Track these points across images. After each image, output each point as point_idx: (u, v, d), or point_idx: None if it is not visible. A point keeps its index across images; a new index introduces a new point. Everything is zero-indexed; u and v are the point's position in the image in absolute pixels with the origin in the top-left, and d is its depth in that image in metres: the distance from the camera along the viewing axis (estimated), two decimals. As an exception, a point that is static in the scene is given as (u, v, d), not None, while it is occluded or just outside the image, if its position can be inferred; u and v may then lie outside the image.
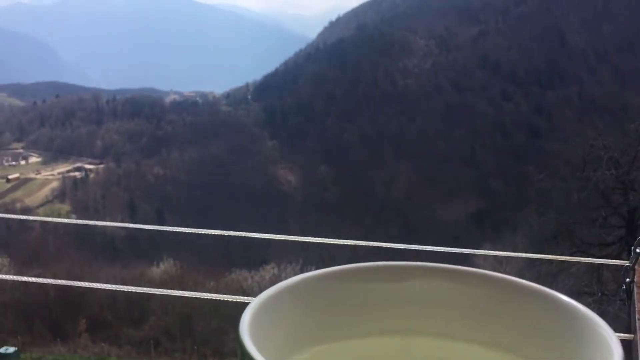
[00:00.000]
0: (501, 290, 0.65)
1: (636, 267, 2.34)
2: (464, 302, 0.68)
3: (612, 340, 0.54)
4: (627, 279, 2.27)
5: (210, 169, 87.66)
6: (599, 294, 19.30)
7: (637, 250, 2.37)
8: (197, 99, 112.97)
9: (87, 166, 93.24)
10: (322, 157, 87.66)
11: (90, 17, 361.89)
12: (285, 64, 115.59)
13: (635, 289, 2.17)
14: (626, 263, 2.36)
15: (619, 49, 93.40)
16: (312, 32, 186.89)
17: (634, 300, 2.11)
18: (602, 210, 21.14)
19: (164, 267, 30.59)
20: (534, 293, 0.63)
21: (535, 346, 0.62)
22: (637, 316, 1.97)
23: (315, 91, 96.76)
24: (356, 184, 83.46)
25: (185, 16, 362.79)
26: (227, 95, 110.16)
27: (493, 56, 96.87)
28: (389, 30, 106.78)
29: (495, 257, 26.85)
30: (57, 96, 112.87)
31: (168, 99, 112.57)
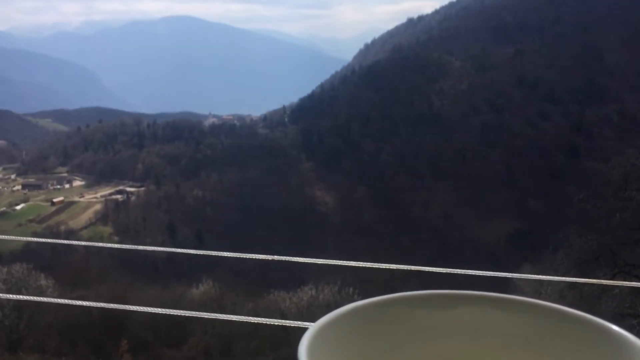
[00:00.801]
0: (548, 318, 0.65)
1: None
2: (509, 330, 0.68)
3: None
4: None
5: (248, 191, 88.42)
6: (645, 315, 19.04)
7: None
8: (235, 121, 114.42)
9: (129, 189, 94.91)
10: (358, 178, 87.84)
11: (131, 44, 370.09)
12: (322, 86, 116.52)
13: None
14: None
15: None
16: (348, 55, 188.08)
17: None
18: (647, 230, 20.90)
19: (203, 288, 30.98)
20: (580, 321, 0.63)
21: None
22: None
23: (351, 113, 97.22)
24: (393, 205, 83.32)
25: (224, 41, 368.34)
26: (265, 118, 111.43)
27: (530, 75, 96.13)
28: (425, 51, 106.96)
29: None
30: (100, 121, 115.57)
31: (207, 122, 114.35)
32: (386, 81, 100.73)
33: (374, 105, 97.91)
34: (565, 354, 0.63)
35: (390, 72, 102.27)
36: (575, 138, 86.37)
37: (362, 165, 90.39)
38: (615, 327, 0.60)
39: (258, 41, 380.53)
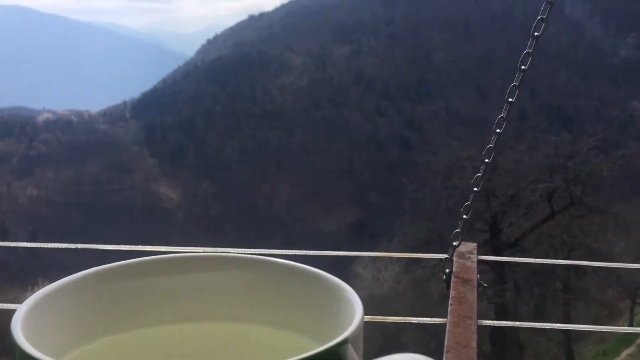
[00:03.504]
0: (280, 273, 0.71)
1: (454, 258, 2.51)
2: (249, 287, 0.72)
3: (356, 303, 0.63)
4: (447, 270, 2.44)
5: (88, 189, 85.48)
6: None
7: (454, 243, 2.51)
8: (72, 117, 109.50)
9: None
10: (203, 173, 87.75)
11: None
12: (164, 81, 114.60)
13: (453, 279, 2.35)
14: (445, 256, 2.53)
15: (479, 67, 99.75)
16: (190, 50, 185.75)
17: (451, 289, 2.29)
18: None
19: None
20: (303, 273, 0.70)
21: (306, 319, 0.69)
22: (449, 302, 2.18)
23: (195, 108, 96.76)
24: (238, 199, 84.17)
25: (58, 33, 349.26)
26: (104, 113, 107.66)
27: (366, 73, 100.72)
28: (267, 48, 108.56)
29: (374, 264, 28.44)
30: None
31: (41, 118, 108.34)
32: (229, 77, 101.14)
33: (217, 100, 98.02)
34: (294, 302, 0.70)
35: (233, 68, 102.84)
36: (408, 132, 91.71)
37: (206, 160, 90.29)
38: (324, 273, 0.68)
39: (95, 34, 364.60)
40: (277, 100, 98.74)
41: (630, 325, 24.44)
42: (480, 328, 2.14)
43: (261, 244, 66.93)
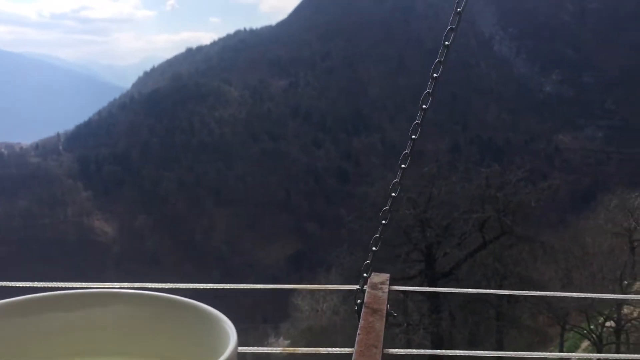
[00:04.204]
0: (163, 307, 0.77)
1: (366, 289, 2.51)
2: (135, 321, 0.77)
3: (231, 332, 0.69)
4: (359, 301, 2.45)
5: (18, 223, 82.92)
6: (405, 324, 21.42)
7: (364, 275, 2.54)
8: (3, 150, 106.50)
9: None
10: (140, 206, 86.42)
11: None
12: (99, 113, 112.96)
13: (363, 309, 2.36)
14: (356, 287, 2.54)
15: (413, 100, 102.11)
16: (126, 82, 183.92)
17: (361, 319, 2.29)
18: (405, 246, 23.43)
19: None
20: (184, 306, 0.76)
21: (188, 351, 0.75)
22: (358, 331, 2.20)
23: (131, 140, 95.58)
24: (176, 232, 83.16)
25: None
26: (37, 146, 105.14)
27: (304, 106, 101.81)
28: (204, 80, 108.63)
29: (312, 296, 28.52)
30: None
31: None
32: (166, 109, 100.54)
33: (154, 132, 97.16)
34: (178, 334, 0.75)
35: (171, 100, 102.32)
36: (345, 164, 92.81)
37: (143, 193, 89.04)
38: (204, 305, 0.72)
39: (28, 65, 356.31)
40: (215, 132, 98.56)
41: (561, 350, 25.19)
42: (388, 357, 2.19)
43: (199, 278, 65.91)
